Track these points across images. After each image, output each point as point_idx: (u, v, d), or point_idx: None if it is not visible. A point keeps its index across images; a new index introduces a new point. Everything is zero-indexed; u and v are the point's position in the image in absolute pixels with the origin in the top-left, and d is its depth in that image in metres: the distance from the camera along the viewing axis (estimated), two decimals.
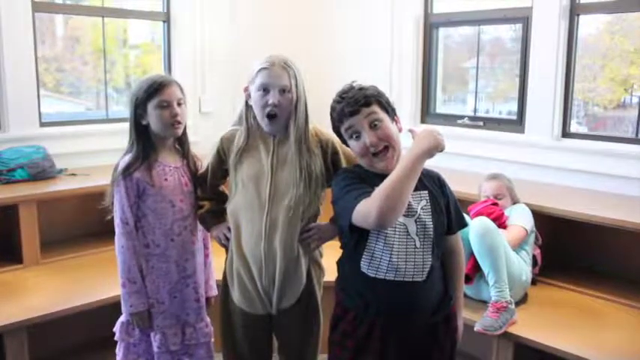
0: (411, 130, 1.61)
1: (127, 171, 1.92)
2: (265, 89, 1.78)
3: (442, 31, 3.76)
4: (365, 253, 1.60)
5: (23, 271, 2.69)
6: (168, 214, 1.97)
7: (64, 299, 2.40)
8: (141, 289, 1.96)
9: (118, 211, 1.94)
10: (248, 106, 1.87)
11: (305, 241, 1.86)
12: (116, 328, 2.04)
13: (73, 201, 3.05)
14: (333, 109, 1.66)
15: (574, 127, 3.20)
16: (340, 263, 1.75)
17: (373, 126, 1.60)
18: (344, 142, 1.71)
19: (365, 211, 1.46)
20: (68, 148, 3.24)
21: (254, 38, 3.81)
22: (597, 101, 3.21)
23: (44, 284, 2.56)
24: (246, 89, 1.87)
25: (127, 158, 1.95)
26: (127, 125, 3.36)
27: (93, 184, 2.88)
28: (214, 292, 2.19)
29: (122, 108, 3.75)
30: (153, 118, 1.92)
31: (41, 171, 2.96)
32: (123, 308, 1.99)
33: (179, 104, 1.94)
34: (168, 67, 3.75)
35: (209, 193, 2.02)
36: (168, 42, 3.74)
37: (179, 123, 1.95)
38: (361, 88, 1.63)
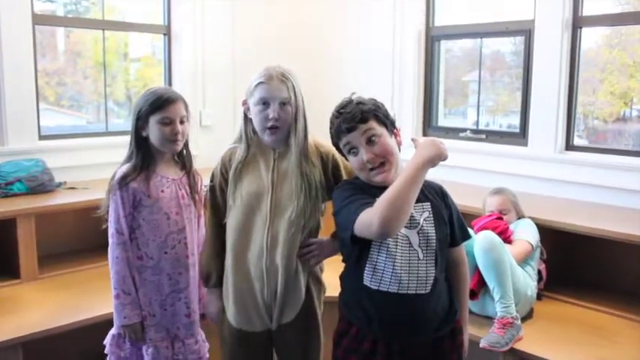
0: (413, 140, 1.60)
1: (124, 181, 1.90)
2: (265, 103, 1.76)
3: (443, 44, 3.75)
4: (367, 265, 1.58)
5: (21, 286, 2.64)
6: (163, 226, 1.94)
7: (62, 315, 2.35)
8: (135, 301, 1.94)
9: (113, 221, 1.92)
10: (247, 120, 1.85)
11: (304, 257, 1.83)
12: (107, 341, 2.01)
13: (71, 215, 3.01)
14: (331, 124, 1.66)
15: (577, 140, 3.18)
16: (343, 277, 1.72)
17: (370, 142, 1.59)
18: (343, 156, 1.70)
19: (367, 220, 1.44)
20: (67, 162, 3.22)
21: (255, 52, 3.80)
22: (597, 115, 3.21)
23: (42, 299, 2.52)
24: (244, 103, 1.85)
25: (125, 168, 1.93)
26: (127, 138, 3.39)
27: (92, 198, 2.82)
28: None
29: (122, 121, 3.75)
30: (153, 132, 1.91)
31: (40, 184, 2.94)
32: (115, 320, 1.96)
33: (182, 122, 1.93)
34: (169, 80, 3.75)
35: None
36: (168, 55, 3.74)
37: (179, 140, 1.93)
38: (359, 103, 1.62)
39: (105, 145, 3.38)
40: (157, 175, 1.95)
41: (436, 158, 1.49)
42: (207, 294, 1.98)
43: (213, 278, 1.92)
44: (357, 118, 1.58)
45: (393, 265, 1.54)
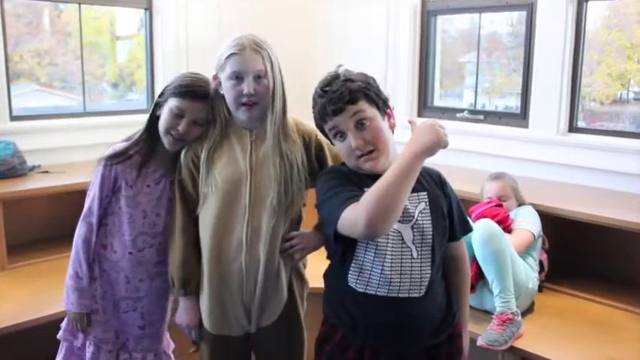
0: (410, 122, 1.41)
1: (112, 159, 1.72)
2: (238, 77, 1.58)
3: (440, 20, 3.57)
4: (353, 264, 1.41)
5: None
6: (137, 223, 1.76)
7: (32, 308, 2.22)
8: (85, 289, 1.78)
9: (89, 198, 1.76)
10: (219, 96, 1.66)
11: (286, 252, 1.66)
12: (63, 324, 1.86)
13: (43, 200, 2.86)
14: (314, 102, 1.45)
15: (581, 122, 3.04)
16: (327, 276, 1.55)
17: (360, 125, 1.40)
18: (328, 139, 1.51)
19: (352, 218, 1.26)
20: (42, 144, 3.05)
21: (242, 27, 3.56)
22: (594, 96, 3.14)
23: (11, 291, 2.39)
24: (215, 77, 1.65)
25: (120, 145, 1.75)
26: (105, 120, 3.29)
27: (65, 183, 2.71)
28: None
29: (116, 102, 3.64)
30: (162, 115, 1.71)
31: (10, 168, 2.78)
32: (63, 302, 1.80)
33: (194, 123, 1.68)
34: (151, 56, 3.56)
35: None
36: (150, 31, 3.54)
37: (179, 140, 1.70)
38: (347, 79, 1.41)
39: (83, 127, 3.23)
40: (151, 165, 1.76)
41: (435, 146, 1.29)
42: (183, 301, 1.75)
43: (192, 284, 1.71)
44: (344, 98, 1.38)
45: (382, 265, 1.37)
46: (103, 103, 3.55)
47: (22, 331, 2.14)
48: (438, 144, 1.30)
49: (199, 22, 3.61)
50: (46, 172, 2.91)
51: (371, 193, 1.25)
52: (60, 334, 1.86)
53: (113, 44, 3.67)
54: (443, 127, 1.33)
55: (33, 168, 2.92)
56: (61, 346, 1.87)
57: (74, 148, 3.11)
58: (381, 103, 1.45)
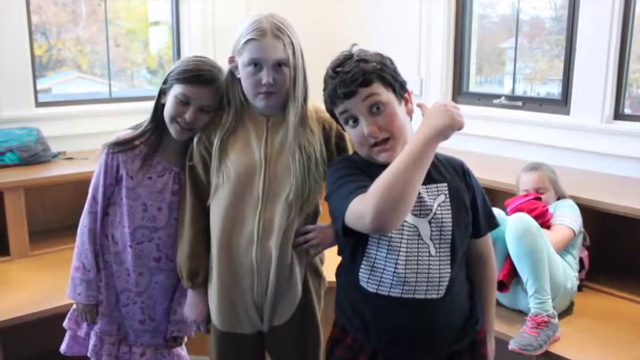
0: (419, 105, 1.29)
1: (115, 147, 1.66)
2: (257, 64, 1.47)
3: (477, 6, 3.40)
4: (364, 262, 1.29)
5: (10, 264, 2.51)
6: (136, 216, 1.70)
7: (53, 296, 2.18)
8: (93, 281, 1.74)
9: (92, 187, 1.71)
10: (235, 79, 1.56)
11: (301, 247, 1.55)
12: (68, 313, 1.84)
13: (66, 187, 2.82)
14: (325, 84, 1.34)
15: (627, 109, 2.85)
16: (338, 274, 1.44)
17: (373, 111, 1.28)
18: (340, 125, 1.39)
19: (359, 211, 1.15)
20: (67, 130, 3.04)
21: (269, 9, 3.50)
22: None
23: (32, 278, 2.37)
24: (231, 60, 1.55)
25: (125, 133, 1.69)
26: (131, 106, 3.26)
27: (88, 169, 2.62)
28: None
29: (154, 88, 3.59)
30: (167, 103, 1.63)
31: (33, 155, 2.78)
32: (69, 292, 1.77)
33: (202, 110, 1.60)
34: (177, 44, 3.51)
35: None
36: (176, 17, 3.49)
37: (186, 128, 1.61)
38: (360, 60, 1.29)
39: (108, 113, 3.21)
40: (155, 157, 1.68)
41: (448, 129, 1.17)
42: (191, 294, 1.68)
43: (200, 276, 1.63)
44: (357, 80, 1.27)
45: (396, 263, 1.25)
46: (143, 89, 3.58)
47: (43, 318, 2.11)
48: (451, 126, 1.18)
49: (226, 6, 3.53)
50: (70, 158, 2.91)
51: (378, 183, 1.14)
52: (65, 323, 1.85)
53: (148, 32, 3.69)
54: (457, 107, 1.21)
55: (56, 155, 2.91)
56: (66, 334, 1.86)
57: (100, 135, 3.04)
58: (398, 87, 1.33)
